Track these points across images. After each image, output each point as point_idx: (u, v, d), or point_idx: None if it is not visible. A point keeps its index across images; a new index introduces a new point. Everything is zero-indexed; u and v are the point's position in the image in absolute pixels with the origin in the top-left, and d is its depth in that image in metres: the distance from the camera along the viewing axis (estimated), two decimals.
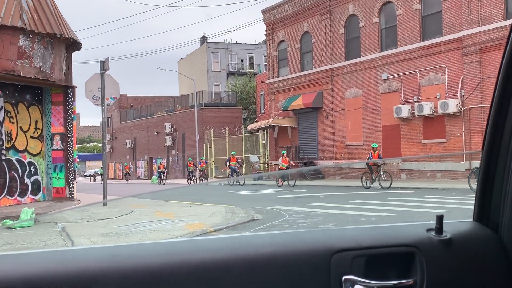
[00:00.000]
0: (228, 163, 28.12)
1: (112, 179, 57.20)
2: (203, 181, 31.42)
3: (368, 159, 24.31)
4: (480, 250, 1.45)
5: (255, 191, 20.24)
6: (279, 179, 23.75)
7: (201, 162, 32.92)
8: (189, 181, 33.11)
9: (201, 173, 31.74)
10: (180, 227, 9.74)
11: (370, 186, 19.05)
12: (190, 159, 35.32)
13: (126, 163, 49.59)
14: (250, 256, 1.32)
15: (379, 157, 20.69)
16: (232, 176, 28.59)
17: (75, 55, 15.44)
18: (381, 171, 18.87)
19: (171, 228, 9.53)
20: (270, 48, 33.16)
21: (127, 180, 45.07)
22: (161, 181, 36.73)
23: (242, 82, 46.71)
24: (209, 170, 40.39)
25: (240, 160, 31.42)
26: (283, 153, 24.94)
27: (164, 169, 37.18)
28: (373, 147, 20.50)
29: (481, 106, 20.23)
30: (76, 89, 16.10)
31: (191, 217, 11.17)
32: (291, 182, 22.98)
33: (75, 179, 16.23)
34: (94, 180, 57.78)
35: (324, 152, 28.76)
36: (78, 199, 15.91)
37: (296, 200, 15.34)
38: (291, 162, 24.81)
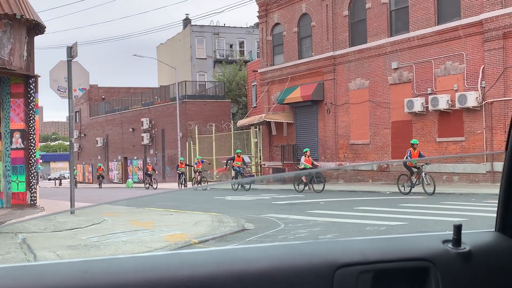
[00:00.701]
0: (229, 162, 27.38)
1: (81, 182, 56.97)
2: (201, 184, 30.53)
3: (406, 158, 23.84)
4: (503, 264, 1.46)
5: (245, 197, 20.24)
6: (300, 183, 22.87)
7: (197, 162, 32.06)
8: (180, 185, 32.59)
9: (197, 174, 30.90)
10: (159, 238, 9.72)
11: (410, 191, 18.52)
12: (181, 158, 34.78)
13: (99, 164, 48.77)
14: (241, 272, 1.33)
15: (419, 156, 19.53)
16: (236, 179, 28.01)
17: (37, 39, 15.29)
18: (423, 173, 18.22)
19: (149, 240, 9.50)
20: (263, 32, 33.15)
21: (100, 184, 44.38)
22: (150, 185, 35.66)
23: (231, 71, 46.69)
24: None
25: (249, 161, 31.49)
26: (306, 151, 23.54)
27: (153, 171, 36.51)
28: (412, 144, 19.56)
29: (505, 100, 20.36)
30: (39, 79, 16.00)
31: (172, 227, 11.15)
32: (319, 187, 22.42)
33: (37, 183, 16.13)
34: (60, 184, 57.43)
35: (325, 152, 28.81)
36: (41, 206, 15.82)
37: (293, 207, 15.36)
38: (315, 162, 24.17)
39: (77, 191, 36.25)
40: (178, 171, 33.02)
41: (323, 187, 21.62)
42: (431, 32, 22.87)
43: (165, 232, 10.36)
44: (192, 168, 32.98)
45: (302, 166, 23.45)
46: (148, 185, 35.96)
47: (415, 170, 18.62)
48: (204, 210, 14.62)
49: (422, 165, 18.47)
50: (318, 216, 12.24)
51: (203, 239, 9.52)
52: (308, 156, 23.31)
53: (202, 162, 32.34)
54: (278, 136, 32.19)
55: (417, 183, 18.40)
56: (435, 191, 17.43)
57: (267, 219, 12.16)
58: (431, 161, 22.77)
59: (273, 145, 32.58)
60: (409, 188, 18.57)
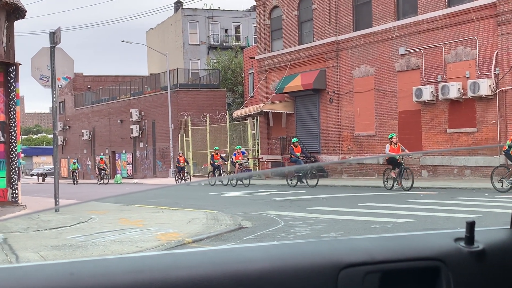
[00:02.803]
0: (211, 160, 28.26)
1: (66, 178, 57.00)
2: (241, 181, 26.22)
3: (231, 159, 25.25)
4: None
5: (242, 193, 20.27)
6: (293, 178, 22.72)
7: (236, 153, 27.67)
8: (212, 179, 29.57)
9: (238, 167, 27.15)
10: (150, 237, 9.74)
11: (392, 187, 18.74)
12: (216, 148, 30.42)
13: (101, 156, 43.80)
14: (238, 273, 1.33)
15: (401, 149, 19.81)
16: (214, 174, 28.69)
17: (18, 24, 15.26)
18: (402, 168, 18.44)
19: (140, 239, 9.52)
20: (260, 15, 33.08)
21: (103, 179, 39.89)
22: (182, 180, 32.34)
23: (226, 58, 46.63)
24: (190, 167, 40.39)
25: (224, 155, 31.20)
26: (294, 142, 24.03)
27: (185, 163, 32.80)
28: (389, 138, 20.08)
29: None
30: (19, 67, 15.94)
31: (164, 225, 11.17)
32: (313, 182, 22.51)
33: (19, 178, 16.12)
34: (43, 180, 57.47)
35: (327, 145, 28.83)
36: (24, 204, 15.82)
37: (293, 203, 15.39)
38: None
39: (79, 188, 35.40)
40: (214, 163, 28.72)
41: (317, 182, 21.91)
42: (441, 15, 22.84)
43: (157, 231, 10.39)
44: (231, 160, 28.73)
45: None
46: (180, 180, 32.55)
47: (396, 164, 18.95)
48: (199, 207, 14.64)
49: (402, 159, 18.80)
50: (321, 213, 12.27)
51: (197, 238, 9.54)
52: (296, 146, 23.77)
53: (243, 153, 28.26)
54: (277, 127, 32.19)
55: (398, 178, 18.98)
56: (413, 186, 18.01)
57: (266, 216, 12.19)
58: (442, 154, 22.81)
59: (272, 137, 32.59)
60: (392, 183, 19.02)
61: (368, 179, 24.53)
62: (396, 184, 18.72)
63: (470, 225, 1.48)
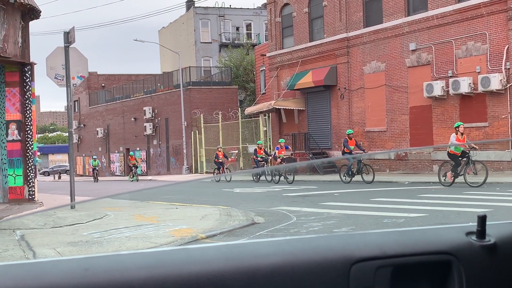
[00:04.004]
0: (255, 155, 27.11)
1: (81, 175, 57.36)
2: (286, 176, 23.37)
3: (274, 154, 24.96)
4: None
5: (255, 189, 20.29)
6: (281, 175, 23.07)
7: (279, 147, 25.38)
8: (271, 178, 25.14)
9: (280, 162, 25.17)
10: (164, 233, 9.77)
11: (351, 180, 20.64)
12: (260, 142, 28.77)
13: (131, 153, 41.40)
14: (251, 268, 1.33)
15: (356, 145, 21.58)
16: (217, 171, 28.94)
17: (33, 24, 15.37)
18: (361, 162, 20.06)
19: (154, 235, 9.56)
20: (271, 13, 33.04)
21: (134, 176, 37.93)
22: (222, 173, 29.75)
23: (237, 55, 46.61)
24: (199, 163, 40.47)
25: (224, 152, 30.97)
26: (458, 126, 18.00)
27: (224, 158, 29.60)
28: (348, 134, 21.82)
29: None
30: (35, 66, 16.06)
31: (178, 221, 11.21)
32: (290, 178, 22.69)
33: (35, 176, 16.25)
34: (59, 177, 57.80)
35: (339, 141, 28.76)
36: (40, 201, 15.95)
37: (305, 199, 15.38)
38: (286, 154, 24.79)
39: (103, 185, 34.89)
40: (258, 159, 26.61)
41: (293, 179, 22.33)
42: (451, 10, 22.69)
43: (171, 227, 10.43)
44: (274, 154, 26.21)
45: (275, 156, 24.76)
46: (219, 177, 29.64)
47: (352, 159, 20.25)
48: (212, 203, 14.68)
49: (358, 154, 20.25)
50: (332, 209, 12.26)
51: (210, 233, 9.57)
52: (350, 139, 21.84)
53: (287, 148, 25.81)
54: (289, 124, 32.17)
55: (356, 173, 20.55)
56: (374, 180, 19.40)
57: (278, 212, 12.20)
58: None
59: (284, 133, 32.56)
60: (350, 177, 20.66)
61: (380, 174, 24.39)
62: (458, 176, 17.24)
63: (482, 219, 1.47)
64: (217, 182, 26.08)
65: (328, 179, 24.41)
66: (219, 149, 29.84)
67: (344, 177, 21.31)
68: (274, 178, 23.96)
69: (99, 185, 34.79)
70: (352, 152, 21.51)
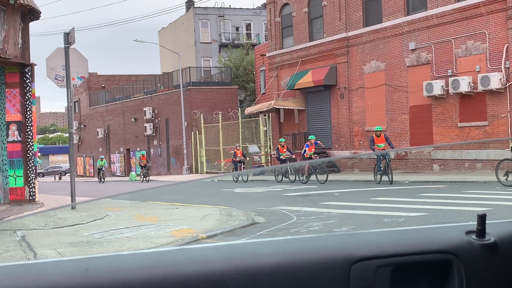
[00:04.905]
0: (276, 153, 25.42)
1: (82, 176, 57.34)
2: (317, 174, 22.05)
3: (304, 152, 23.37)
4: None
5: (255, 189, 20.28)
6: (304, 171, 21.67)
7: (309, 144, 23.79)
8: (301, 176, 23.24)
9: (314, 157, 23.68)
10: (165, 233, 9.77)
11: (307, 181, 21.15)
12: (282, 139, 27.12)
13: (143, 152, 39.58)
14: (251, 267, 1.33)
15: (387, 142, 20.10)
16: (236, 170, 27.69)
17: (32, 25, 15.39)
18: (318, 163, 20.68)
19: (155, 235, 9.56)
20: (271, 13, 33.03)
21: (145, 177, 36.06)
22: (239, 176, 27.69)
23: (237, 55, 46.62)
24: (199, 163, 40.47)
25: (258, 151, 30.46)
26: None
27: (243, 157, 28.33)
28: (309, 139, 23.01)
29: None
30: (35, 67, 16.05)
31: (178, 221, 11.21)
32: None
33: (36, 177, 16.25)
34: (60, 178, 57.76)
35: (339, 140, 28.76)
36: (41, 202, 15.95)
37: (306, 198, 15.38)
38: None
39: (109, 186, 34.26)
40: (281, 157, 25.07)
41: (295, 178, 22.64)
42: (450, 9, 22.68)
43: (171, 227, 10.42)
44: (303, 153, 24.01)
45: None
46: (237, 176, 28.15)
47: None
48: (212, 203, 14.67)
49: (317, 155, 21.09)
50: (333, 208, 12.26)
51: (211, 233, 9.57)
52: (379, 136, 20.52)
53: (316, 143, 24.10)
54: (289, 123, 32.16)
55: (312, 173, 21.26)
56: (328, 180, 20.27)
57: (279, 211, 12.19)
58: (453, 147, 22.67)
59: (284, 133, 32.56)
60: (307, 178, 21.32)
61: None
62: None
63: (482, 218, 1.47)
64: (219, 183, 26.04)
65: (329, 178, 24.40)
66: (237, 147, 28.48)
67: (376, 177, 19.74)
68: (302, 177, 22.16)
69: (108, 186, 34.69)
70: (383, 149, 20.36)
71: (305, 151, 23.50)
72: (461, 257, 1.43)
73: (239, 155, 27.79)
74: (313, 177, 21.70)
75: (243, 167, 27.93)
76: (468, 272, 1.41)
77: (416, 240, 1.47)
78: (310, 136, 24.60)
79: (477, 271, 1.42)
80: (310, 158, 22.98)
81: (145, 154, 38.10)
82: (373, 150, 20.40)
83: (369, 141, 20.89)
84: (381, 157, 19.62)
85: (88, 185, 35.09)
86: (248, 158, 31.28)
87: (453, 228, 1.53)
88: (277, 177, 24.20)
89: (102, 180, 39.41)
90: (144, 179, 35.89)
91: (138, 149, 48.70)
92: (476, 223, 1.49)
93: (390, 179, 19.02)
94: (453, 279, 1.42)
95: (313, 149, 23.40)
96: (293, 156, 25.62)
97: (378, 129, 20.96)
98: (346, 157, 30.87)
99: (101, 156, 43.91)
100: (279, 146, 25.42)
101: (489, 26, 21.42)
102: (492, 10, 21.25)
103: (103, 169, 40.64)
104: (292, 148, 30.42)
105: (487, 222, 1.48)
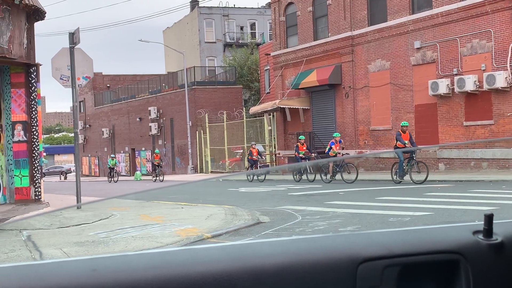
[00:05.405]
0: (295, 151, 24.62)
1: (87, 175, 57.47)
2: (341, 172, 21.24)
3: (329, 149, 22.03)
4: None
5: (260, 188, 20.29)
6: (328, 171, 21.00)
7: (334, 142, 22.47)
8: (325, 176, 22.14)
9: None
10: (170, 233, 9.78)
11: (331, 180, 20.96)
12: (302, 137, 26.12)
13: (157, 151, 37.81)
14: (257, 268, 1.33)
15: (410, 141, 19.05)
16: (252, 169, 27.42)
17: (38, 25, 15.46)
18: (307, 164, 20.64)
19: (160, 235, 9.57)
20: (275, 12, 33.01)
21: (157, 176, 34.56)
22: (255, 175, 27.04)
23: (242, 55, 46.62)
24: (204, 162, 40.50)
25: (262, 150, 30.37)
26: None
27: (259, 156, 27.78)
28: (299, 140, 23.76)
29: None
30: (40, 67, 16.09)
31: (183, 221, 11.22)
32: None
33: (42, 177, 16.29)
34: (65, 178, 57.92)
35: (344, 139, 28.68)
36: (46, 202, 15.98)
37: (311, 198, 15.37)
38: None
39: (114, 186, 33.88)
40: (300, 156, 24.22)
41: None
42: (456, 8, 22.63)
43: (177, 227, 10.43)
44: (328, 150, 22.63)
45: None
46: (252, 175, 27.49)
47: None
48: (217, 202, 14.68)
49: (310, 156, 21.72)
50: (338, 208, 12.24)
51: (216, 233, 9.57)
52: (404, 132, 19.38)
53: (340, 142, 22.86)
54: (294, 123, 32.15)
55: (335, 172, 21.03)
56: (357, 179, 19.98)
57: (284, 211, 12.19)
58: (458, 146, 22.62)
59: (288, 132, 32.56)
60: (331, 177, 21.12)
61: (385, 173, 24.35)
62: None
63: (489, 218, 1.47)
64: (224, 182, 26.03)
65: (336, 177, 24.35)
66: (253, 146, 27.78)
67: (395, 177, 18.58)
68: (326, 176, 21.34)
69: (113, 185, 34.65)
70: (407, 147, 18.72)
71: (330, 148, 22.07)
72: (468, 257, 1.42)
73: (255, 154, 27.12)
74: (337, 176, 20.84)
75: (259, 166, 27.37)
76: (475, 272, 1.41)
77: (423, 240, 1.46)
78: (335, 134, 23.56)
79: (484, 271, 1.42)
80: (335, 156, 21.98)
81: (159, 153, 36.27)
82: (403, 145, 18.73)
83: (396, 136, 19.63)
84: (406, 156, 18.08)
85: (93, 185, 35.15)
86: (263, 157, 30.86)
87: (460, 228, 1.53)
88: (295, 176, 23.47)
89: (114, 179, 37.76)
90: (157, 178, 34.14)
91: (143, 148, 48.79)
92: (483, 222, 1.48)
93: (412, 178, 17.68)
94: (460, 279, 1.41)
95: (337, 147, 22.11)
96: (313, 154, 24.56)
97: (405, 125, 19.57)
98: (374, 153, 30.87)
99: (111, 155, 42.30)
100: (298, 143, 24.65)
101: (495, 24, 21.35)
102: (498, 9, 21.19)
103: (115, 168, 38.94)
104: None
105: (494, 221, 1.48)
